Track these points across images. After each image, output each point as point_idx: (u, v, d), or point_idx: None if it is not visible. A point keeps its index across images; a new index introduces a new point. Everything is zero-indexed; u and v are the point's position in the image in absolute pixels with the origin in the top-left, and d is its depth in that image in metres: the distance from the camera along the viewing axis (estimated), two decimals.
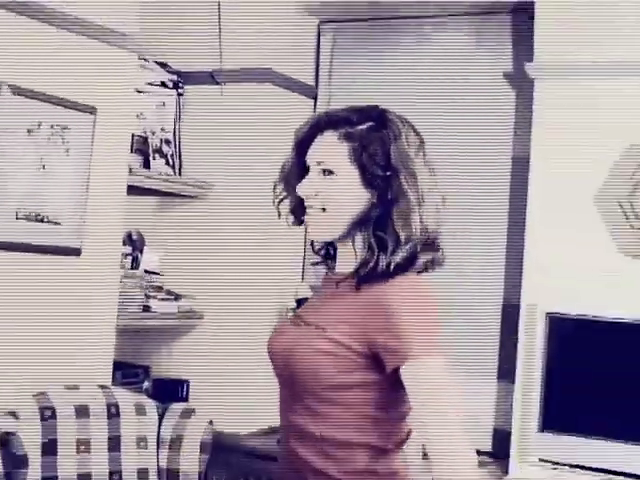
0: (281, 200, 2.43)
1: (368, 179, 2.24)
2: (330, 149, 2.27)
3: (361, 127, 2.26)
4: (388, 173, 2.23)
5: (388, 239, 2.23)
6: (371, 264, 2.23)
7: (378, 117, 2.28)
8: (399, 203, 2.22)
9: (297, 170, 2.35)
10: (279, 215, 2.45)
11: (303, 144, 2.33)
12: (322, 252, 2.48)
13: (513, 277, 4.59)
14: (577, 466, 4.23)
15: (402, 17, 5.05)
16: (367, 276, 2.23)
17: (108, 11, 4.24)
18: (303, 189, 2.28)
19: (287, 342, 2.36)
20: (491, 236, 4.77)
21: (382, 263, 2.21)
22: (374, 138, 2.24)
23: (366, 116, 2.28)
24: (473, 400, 4.62)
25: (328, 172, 2.26)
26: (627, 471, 4.10)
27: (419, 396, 2.15)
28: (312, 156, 2.30)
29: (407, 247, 2.22)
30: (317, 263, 2.54)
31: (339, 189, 2.26)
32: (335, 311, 2.30)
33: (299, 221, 2.44)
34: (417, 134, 2.31)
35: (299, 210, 2.39)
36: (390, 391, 2.24)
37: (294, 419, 2.34)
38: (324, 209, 2.28)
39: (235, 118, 4.89)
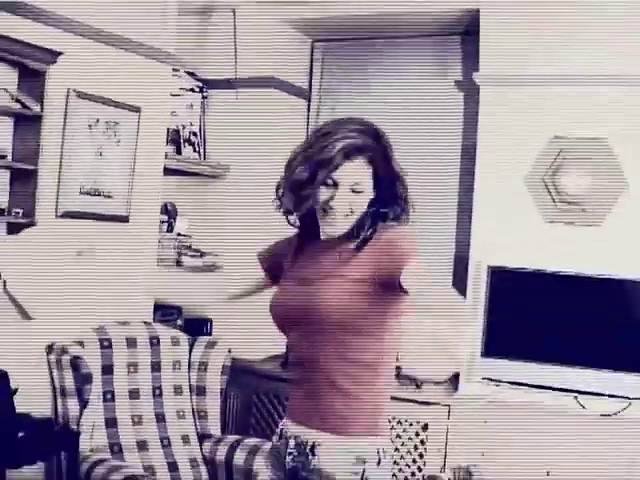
0: (287, 210, 2.35)
1: (379, 184, 2.26)
2: (362, 173, 2.23)
3: (373, 149, 2.22)
4: (392, 176, 2.26)
5: (390, 212, 2.27)
6: (369, 228, 2.25)
7: (375, 134, 2.25)
8: (398, 191, 2.27)
9: (310, 183, 2.24)
10: (281, 206, 2.35)
11: (327, 165, 2.22)
12: (297, 224, 2.41)
13: (463, 238, 4.63)
14: (512, 382, 4.29)
15: (378, 37, 5.09)
16: (365, 235, 2.26)
17: (150, 32, 4.30)
18: (340, 205, 2.22)
19: (312, 295, 2.26)
20: (446, 206, 4.84)
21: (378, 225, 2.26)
22: (381, 155, 2.24)
23: (372, 136, 2.24)
24: None
25: (359, 191, 2.24)
26: (553, 386, 4.20)
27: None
28: (346, 178, 2.21)
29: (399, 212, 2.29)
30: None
31: (365, 200, 2.25)
32: (345, 262, 2.27)
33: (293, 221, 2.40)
34: None
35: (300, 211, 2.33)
36: (397, 315, 2.23)
37: (319, 352, 2.25)
38: (349, 214, 2.25)
39: (247, 115, 4.92)
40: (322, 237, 2.35)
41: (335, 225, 2.27)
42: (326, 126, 2.30)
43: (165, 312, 4.71)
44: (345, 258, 2.28)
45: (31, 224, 3.70)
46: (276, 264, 2.46)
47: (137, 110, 4.24)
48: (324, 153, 2.21)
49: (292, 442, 2.30)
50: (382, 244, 2.22)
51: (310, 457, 2.26)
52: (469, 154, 4.67)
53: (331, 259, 2.30)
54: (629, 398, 4.10)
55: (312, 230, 2.37)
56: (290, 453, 2.31)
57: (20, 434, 3.38)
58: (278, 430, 2.39)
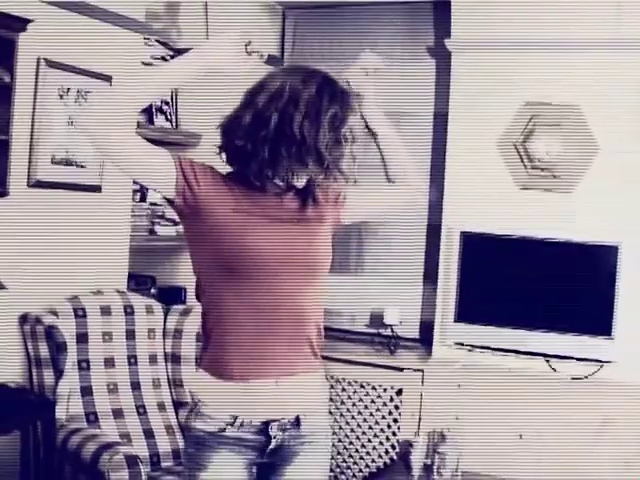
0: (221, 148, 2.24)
1: None
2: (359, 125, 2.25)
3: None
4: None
5: None
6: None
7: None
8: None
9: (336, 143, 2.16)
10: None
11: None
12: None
13: (436, 202, 4.64)
14: (485, 347, 4.37)
15: (350, 4, 5.08)
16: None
17: (121, 1, 4.25)
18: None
19: (308, 237, 2.24)
20: (418, 172, 4.85)
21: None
22: None
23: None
24: (405, 300, 4.80)
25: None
26: (525, 350, 4.28)
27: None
28: (355, 130, 2.19)
29: None
30: None
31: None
32: (306, 206, 2.26)
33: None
34: None
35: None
36: None
37: (302, 302, 2.22)
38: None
39: (219, 84, 4.86)
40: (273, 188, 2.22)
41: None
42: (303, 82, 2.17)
43: (139, 281, 4.72)
44: (301, 202, 2.27)
45: (3, 194, 3.70)
46: (196, 181, 2.17)
47: (108, 79, 4.22)
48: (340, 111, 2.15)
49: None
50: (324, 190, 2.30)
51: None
52: (441, 120, 4.71)
53: (289, 203, 2.26)
54: (599, 361, 4.18)
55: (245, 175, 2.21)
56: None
57: None
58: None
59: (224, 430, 2.20)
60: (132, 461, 3.48)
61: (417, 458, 4.28)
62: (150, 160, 2.16)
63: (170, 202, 2.20)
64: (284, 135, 2.11)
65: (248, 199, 2.21)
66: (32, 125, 3.90)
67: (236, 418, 2.20)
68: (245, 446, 2.23)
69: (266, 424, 2.23)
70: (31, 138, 3.90)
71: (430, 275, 4.74)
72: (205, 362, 2.24)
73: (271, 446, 2.24)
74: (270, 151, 2.12)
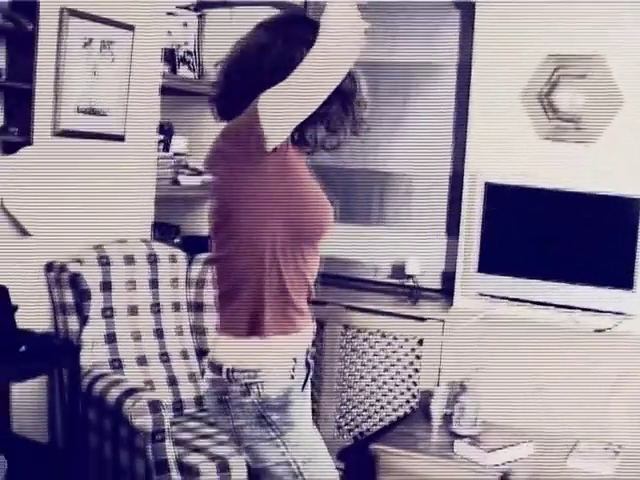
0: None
1: None
2: None
3: None
4: None
5: None
6: None
7: None
8: None
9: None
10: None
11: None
12: None
13: (459, 154, 4.67)
14: (507, 298, 4.38)
15: None
16: None
17: None
18: None
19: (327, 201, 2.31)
20: (442, 123, 4.81)
21: None
22: None
23: None
24: (427, 250, 4.81)
25: None
26: (547, 301, 4.28)
27: None
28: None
29: None
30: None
31: None
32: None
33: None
34: None
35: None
36: None
37: (316, 263, 2.34)
38: None
39: (242, 32, 4.98)
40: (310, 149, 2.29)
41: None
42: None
43: (163, 230, 4.77)
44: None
45: (27, 143, 3.76)
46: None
47: (131, 28, 4.24)
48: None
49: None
50: None
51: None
52: (465, 71, 4.69)
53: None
54: (622, 314, 4.19)
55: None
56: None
57: (22, 349, 3.50)
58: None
59: (292, 377, 2.31)
60: (155, 406, 3.56)
61: (437, 408, 4.34)
62: None
63: (273, 150, 2.15)
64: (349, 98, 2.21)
65: (302, 160, 2.30)
66: (56, 75, 3.93)
67: (296, 360, 2.31)
68: (300, 385, 2.36)
69: (306, 353, 2.39)
70: (55, 87, 3.94)
71: (453, 226, 4.75)
72: (265, 327, 2.25)
73: (310, 374, 2.41)
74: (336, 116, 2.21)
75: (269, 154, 2.12)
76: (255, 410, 2.26)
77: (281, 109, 2.08)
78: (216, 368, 2.29)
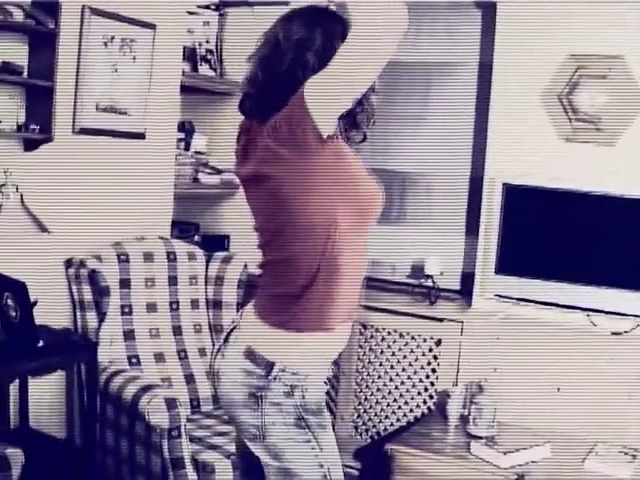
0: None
1: None
2: None
3: None
4: None
5: None
6: None
7: None
8: None
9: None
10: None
11: None
12: None
13: (479, 153, 4.63)
14: (525, 300, 4.34)
15: None
16: None
17: None
18: None
19: None
20: (462, 123, 4.79)
21: None
22: None
23: None
24: (446, 250, 4.78)
25: None
26: (565, 303, 4.24)
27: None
28: None
29: None
30: None
31: None
32: None
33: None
34: None
35: None
36: None
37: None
38: None
39: (263, 30, 4.99)
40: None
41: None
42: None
43: (183, 228, 4.80)
44: None
45: (48, 140, 3.79)
46: None
47: (152, 27, 4.28)
48: None
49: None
50: None
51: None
52: (486, 71, 4.64)
53: None
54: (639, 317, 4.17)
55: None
56: None
57: (39, 344, 3.53)
58: None
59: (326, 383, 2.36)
60: (171, 404, 3.59)
61: (454, 408, 4.34)
62: None
63: (329, 138, 2.15)
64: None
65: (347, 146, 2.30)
66: (77, 72, 3.98)
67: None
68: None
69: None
70: (76, 85, 3.99)
71: (472, 226, 4.72)
72: (304, 320, 2.23)
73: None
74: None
75: (326, 142, 2.11)
76: (296, 412, 2.24)
77: (328, 96, 2.08)
78: (261, 363, 2.22)
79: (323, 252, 2.18)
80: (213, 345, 4.36)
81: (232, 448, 3.69)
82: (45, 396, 3.99)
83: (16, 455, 3.06)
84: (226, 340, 2.33)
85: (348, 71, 2.05)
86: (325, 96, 2.08)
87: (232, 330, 2.34)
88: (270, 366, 2.21)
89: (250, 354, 2.23)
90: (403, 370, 4.72)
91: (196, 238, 4.89)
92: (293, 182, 2.16)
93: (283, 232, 2.21)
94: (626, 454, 3.97)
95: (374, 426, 4.78)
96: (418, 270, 4.87)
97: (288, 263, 2.22)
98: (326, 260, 2.18)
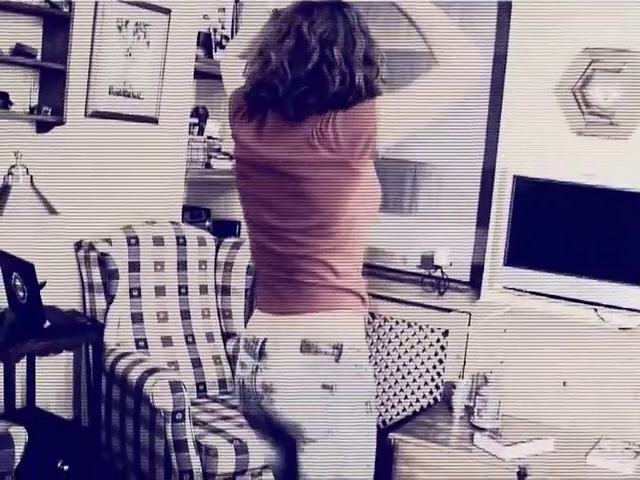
0: None
1: None
2: None
3: None
4: None
5: None
6: None
7: None
8: None
9: None
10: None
11: None
12: None
13: (492, 145, 4.62)
14: (534, 292, 4.34)
15: None
16: None
17: None
18: None
19: None
20: (475, 115, 4.76)
21: None
22: None
23: None
24: (456, 242, 4.78)
25: None
26: (574, 297, 4.23)
27: None
28: None
29: None
30: None
31: None
32: None
33: None
34: None
35: None
36: None
37: None
38: None
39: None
40: None
41: None
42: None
43: (194, 213, 4.81)
44: None
45: (60, 123, 3.82)
46: None
47: (167, 12, 4.29)
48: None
49: None
50: None
51: None
52: (501, 64, 4.62)
53: None
54: None
55: None
56: None
57: (46, 324, 3.58)
58: None
59: None
60: (176, 387, 3.62)
61: (459, 400, 4.35)
62: None
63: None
64: None
65: None
66: (90, 56, 4.00)
67: None
68: None
69: None
70: (89, 69, 4.01)
71: (483, 218, 4.72)
72: (357, 299, 2.32)
73: None
74: None
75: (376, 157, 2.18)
76: (365, 395, 2.22)
77: (401, 121, 2.13)
78: (327, 348, 2.17)
79: (354, 242, 2.30)
80: (220, 330, 4.39)
81: (236, 433, 3.73)
82: (53, 377, 4.03)
83: (20, 433, 3.09)
84: (261, 355, 2.25)
85: (427, 103, 2.11)
86: (398, 121, 2.12)
87: (263, 343, 2.25)
88: (338, 348, 2.18)
89: (308, 345, 2.18)
90: (410, 360, 4.73)
91: (207, 223, 4.89)
92: (334, 189, 2.15)
93: (307, 232, 2.20)
94: (630, 450, 3.97)
95: (380, 415, 4.79)
96: (428, 261, 4.87)
97: (309, 259, 2.24)
98: (358, 249, 2.33)
